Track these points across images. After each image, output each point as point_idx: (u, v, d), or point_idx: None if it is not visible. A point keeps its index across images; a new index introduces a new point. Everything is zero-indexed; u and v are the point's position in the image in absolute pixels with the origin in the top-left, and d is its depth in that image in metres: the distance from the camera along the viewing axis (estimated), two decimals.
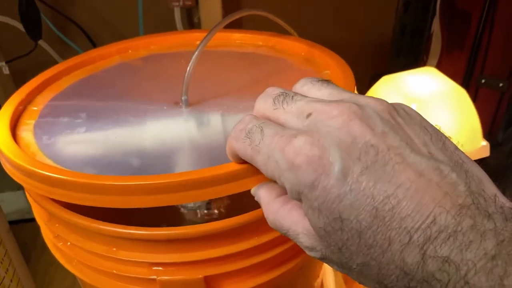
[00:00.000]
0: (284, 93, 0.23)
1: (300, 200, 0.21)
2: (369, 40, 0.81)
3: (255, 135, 0.22)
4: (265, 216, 0.24)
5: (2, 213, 0.58)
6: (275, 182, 0.23)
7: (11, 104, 0.35)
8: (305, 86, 0.24)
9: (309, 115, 0.21)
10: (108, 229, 0.27)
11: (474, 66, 0.61)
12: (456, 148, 0.21)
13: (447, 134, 0.41)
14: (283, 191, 0.23)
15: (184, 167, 0.29)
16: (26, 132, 0.32)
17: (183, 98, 0.36)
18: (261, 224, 0.27)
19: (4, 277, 0.55)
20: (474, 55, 0.60)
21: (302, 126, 0.21)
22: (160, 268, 0.29)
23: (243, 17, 0.39)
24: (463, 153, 0.20)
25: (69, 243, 0.31)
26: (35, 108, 0.36)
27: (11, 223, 0.62)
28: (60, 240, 0.32)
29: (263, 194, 0.24)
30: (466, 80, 0.62)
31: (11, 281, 0.56)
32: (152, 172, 0.28)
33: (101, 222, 0.27)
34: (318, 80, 0.24)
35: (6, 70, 0.66)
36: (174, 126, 0.34)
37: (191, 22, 0.69)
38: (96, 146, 0.31)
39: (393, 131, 0.20)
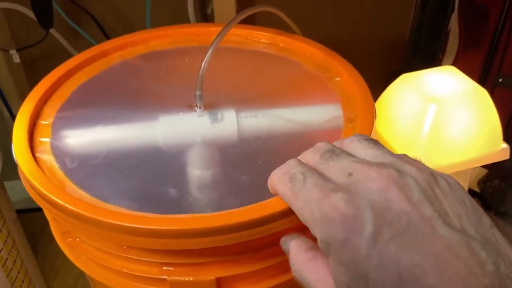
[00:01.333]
0: (331, 150, 0.24)
1: (328, 252, 0.21)
2: (383, 37, 0.80)
3: (297, 181, 0.24)
4: (291, 265, 0.25)
5: (9, 202, 0.57)
6: (304, 234, 0.25)
7: (22, 121, 0.33)
8: (352, 143, 0.25)
9: (350, 174, 0.22)
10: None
11: (491, 65, 0.61)
12: (492, 225, 0.21)
13: (467, 135, 0.41)
14: (312, 245, 0.24)
15: (223, 194, 0.29)
16: (46, 155, 0.32)
17: (198, 104, 0.36)
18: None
19: (11, 268, 0.55)
20: (492, 53, 0.59)
21: (342, 183, 0.22)
22: (171, 268, 0.29)
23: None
24: (498, 232, 0.21)
25: (78, 240, 0.32)
26: (46, 122, 0.35)
27: (20, 212, 0.61)
28: (69, 236, 0.32)
29: (292, 245, 0.25)
30: (482, 79, 0.62)
31: (19, 272, 0.56)
32: (191, 202, 0.28)
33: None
34: (365, 139, 0.25)
35: (16, 59, 0.64)
36: (197, 136, 0.34)
37: (204, 13, 0.67)
38: (123, 168, 0.31)
39: (429, 201, 0.20)
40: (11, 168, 0.39)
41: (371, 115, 0.33)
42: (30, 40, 0.66)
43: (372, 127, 0.32)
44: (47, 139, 0.33)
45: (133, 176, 0.30)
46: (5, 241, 0.54)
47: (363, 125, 0.33)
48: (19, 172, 0.30)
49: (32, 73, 0.76)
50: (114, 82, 0.40)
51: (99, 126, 0.35)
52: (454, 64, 0.72)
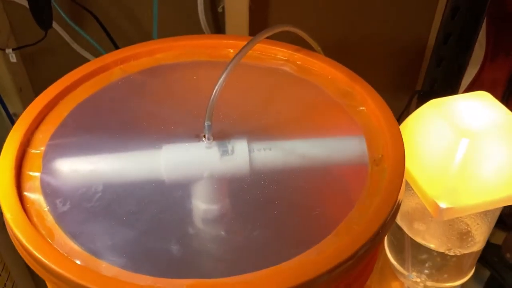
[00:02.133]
0: None
1: None
2: (402, 43, 0.75)
3: None
4: None
5: None
6: None
7: (10, 152, 0.30)
8: None
9: None
10: None
11: None
12: None
13: (500, 173, 0.38)
14: None
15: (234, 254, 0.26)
16: (35, 194, 0.28)
17: (206, 135, 0.32)
18: None
19: None
20: None
21: None
22: None
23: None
24: None
25: None
26: (36, 151, 0.31)
27: None
28: None
29: None
30: (508, 90, 0.57)
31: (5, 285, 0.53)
32: (195, 263, 0.25)
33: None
34: None
35: (13, 58, 0.60)
36: (205, 174, 0.30)
37: (215, 11, 0.63)
38: (120, 215, 0.27)
39: None
40: None
41: (401, 160, 0.30)
42: (31, 35, 0.62)
43: (403, 176, 0.29)
44: (37, 174, 0.29)
45: (131, 225, 0.27)
46: None
47: (392, 171, 0.29)
48: (4, 217, 0.27)
49: (32, 68, 0.72)
50: (114, 102, 0.36)
51: (95, 158, 0.31)
52: (478, 74, 0.68)
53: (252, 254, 0.25)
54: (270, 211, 0.27)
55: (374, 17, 0.74)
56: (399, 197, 0.28)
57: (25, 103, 0.73)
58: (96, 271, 0.23)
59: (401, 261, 0.50)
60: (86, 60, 0.73)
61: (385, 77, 0.86)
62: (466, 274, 0.47)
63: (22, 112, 0.73)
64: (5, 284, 0.51)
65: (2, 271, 0.51)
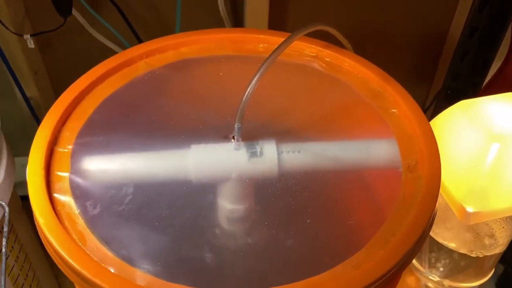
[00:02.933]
0: None
1: None
2: (420, 35, 0.73)
3: None
4: None
5: (13, 190, 0.51)
6: None
7: (38, 151, 0.29)
8: None
9: None
10: None
11: None
12: None
13: None
14: None
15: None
16: (65, 196, 0.28)
17: (235, 136, 0.31)
18: None
19: (13, 265, 0.50)
20: None
21: None
22: None
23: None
24: None
25: None
26: (64, 150, 0.31)
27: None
28: None
29: None
30: None
31: (21, 269, 0.52)
32: (228, 274, 0.25)
33: None
34: None
35: (31, 44, 0.59)
36: (234, 176, 0.30)
37: (234, 1, 0.61)
38: (152, 219, 0.27)
39: None
40: (23, 144, 0.35)
41: (437, 167, 0.29)
42: (48, 21, 0.61)
43: (439, 185, 0.28)
44: (66, 174, 0.29)
45: (163, 230, 0.26)
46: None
47: (428, 180, 0.28)
48: (34, 219, 0.27)
49: (47, 53, 0.71)
50: (139, 98, 0.35)
51: (123, 157, 0.31)
52: (501, 68, 0.66)
53: (286, 265, 0.25)
54: (302, 219, 0.27)
55: (391, 8, 0.72)
56: (436, 207, 0.27)
57: (40, 87, 0.72)
58: (130, 280, 0.23)
59: (419, 257, 0.50)
60: (103, 47, 0.72)
61: (402, 68, 0.85)
62: (485, 275, 0.47)
63: (37, 96, 0.73)
64: (26, 274, 0.51)
65: (24, 262, 0.51)
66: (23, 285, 0.50)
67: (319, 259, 0.24)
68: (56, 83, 0.76)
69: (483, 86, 0.63)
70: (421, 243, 0.26)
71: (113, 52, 0.40)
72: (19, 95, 0.69)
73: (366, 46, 0.42)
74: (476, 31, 0.55)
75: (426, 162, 0.30)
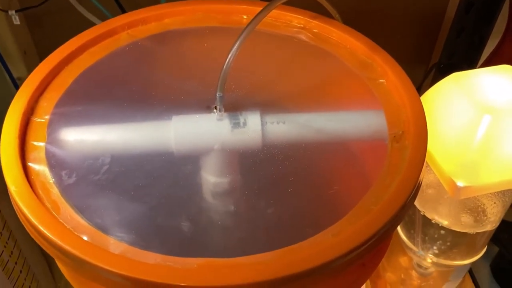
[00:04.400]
0: None
1: None
2: (418, 12, 0.72)
3: None
4: None
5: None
6: None
7: (13, 120, 0.28)
8: None
9: None
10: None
11: None
12: None
13: None
14: None
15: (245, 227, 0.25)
16: (39, 165, 0.27)
17: (218, 107, 0.30)
18: None
19: (8, 261, 0.49)
20: None
21: None
22: None
23: None
24: None
25: None
26: (41, 120, 0.30)
27: None
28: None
29: None
30: None
31: (5, 246, 0.50)
32: (209, 243, 0.24)
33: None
34: None
35: (16, 20, 0.57)
36: (216, 147, 0.29)
37: None
38: (128, 188, 0.26)
39: None
40: None
41: (423, 137, 0.28)
42: None
43: (425, 154, 0.27)
44: (42, 144, 0.28)
45: (140, 199, 0.26)
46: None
47: (414, 149, 0.28)
48: (8, 190, 0.26)
49: (37, 31, 0.70)
50: (121, 69, 0.35)
51: (102, 128, 0.30)
52: (498, 46, 0.65)
53: (265, 233, 0.24)
54: (284, 188, 0.26)
55: None
56: (420, 177, 0.26)
57: (30, 67, 0.71)
58: (104, 248, 0.22)
59: (411, 237, 0.49)
60: (92, 24, 0.71)
61: (399, 47, 0.83)
62: (477, 253, 0.46)
63: (26, 76, 0.71)
64: (11, 252, 0.51)
65: (13, 249, 0.50)
66: (7, 262, 0.49)
67: (300, 228, 0.24)
68: None
69: (479, 64, 0.62)
70: (403, 213, 0.25)
71: None
72: (6, 76, 0.69)
73: (361, 24, 0.41)
74: (472, 6, 0.54)
75: (413, 132, 0.29)
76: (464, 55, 0.57)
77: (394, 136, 0.29)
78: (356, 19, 0.41)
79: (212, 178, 0.27)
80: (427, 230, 0.47)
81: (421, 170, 0.27)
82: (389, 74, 0.33)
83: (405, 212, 0.25)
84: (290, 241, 0.23)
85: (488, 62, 0.66)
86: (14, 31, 0.65)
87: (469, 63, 0.58)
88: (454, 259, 0.47)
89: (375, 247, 0.24)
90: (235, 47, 0.29)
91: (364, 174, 0.28)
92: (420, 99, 0.31)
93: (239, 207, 0.26)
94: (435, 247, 0.48)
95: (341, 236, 0.23)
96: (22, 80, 0.73)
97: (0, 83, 0.66)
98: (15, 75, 0.69)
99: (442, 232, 0.45)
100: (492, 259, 0.68)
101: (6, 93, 0.69)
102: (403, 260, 0.56)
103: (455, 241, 0.46)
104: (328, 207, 0.25)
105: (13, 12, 0.55)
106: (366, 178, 0.27)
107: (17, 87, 0.69)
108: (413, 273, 0.54)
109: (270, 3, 0.31)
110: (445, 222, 0.45)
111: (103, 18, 0.65)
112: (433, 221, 0.45)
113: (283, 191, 0.26)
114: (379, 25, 0.79)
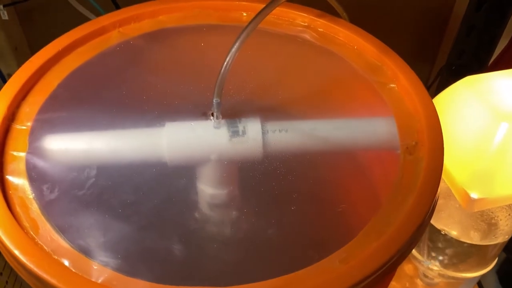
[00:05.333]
0: None
1: None
2: (424, 8, 0.69)
3: None
4: None
5: None
6: None
7: None
8: None
9: None
10: None
11: None
12: None
13: None
14: None
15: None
16: (19, 178, 0.24)
17: (214, 113, 0.28)
18: None
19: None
20: None
21: None
22: None
23: None
24: None
25: None
26: (22, 127, 0.27)
27: None
28: None
29: None
30: None
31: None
32: (203, 269, 0.22)
33: None
34: None
35: (4, 15, 0.55)
36: (212, 159, 0.26)
37: None
38: (115, 205, 0.24)
39: None
40: None
41: (439, 149, 0.26)
42: None
43: (442, 168, 0.25)
44: (22, 154, 0.26)
45: (128, 218, 0.23)
46: None
47: (429, 162, 0.25)
48: None
49: (28, 26, 0.67)
50: (111, 70, 0.32)
51: (88, 136, 0.28)
52: (509, 46, 0.62)
53: (265, 258, 0.22)
54: (286, 206, 0.24)
55: None
56: (437, 194, 0.24)
57: (21, 63, 0.68)
58: (85, 277, 0.20)
59: (417, 245, 0.47)
60: (85, 18, 0.68)
61: (403, 44, 0.81)
62: (487, 265, 0.44)
63: None
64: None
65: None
66: None
67: (303, 251, 0.21)
68: None
69: (489, 64, 0.60)
70: (419, 235, 0.23)
71: None
72: None
73: (364, 20, 0.39)
74: (484, 4, 0.51)
75: (427, 143, 0.26)
76: (474, 55, 0.55)
77: (407, 148, 0.27)
78: (359, 15, 0.39)
79: (207, 195, 0.25)
80: (434, 240, 0.45)
81: (437, 187, 0.24)
82: (400, 79, 0.30)
83: (421, 233, 0.23)
84: (293, 267, 0.21)
85: (498, 61, 0.64)
86: (4, 27, 0.62)
87: (479, 63, 0.56)
88: (463, 271, 0.45)
89: (387, 275, 0.21)
90: (233, 49, 0.26)
91: (374, 189, 0.25)
92: (434, 107, 0.28)
93: (237, 227, 0.24)
94: (442, 258, 0.46)
95: (350, 263, 0.21)
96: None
97: None
98: (5, 72, 0.66)
99: (451, 242, 0.43)
100: (499, 265, 0.66)
101: None
102: (408, 268, 0.54)
103: (464, 253, 0.43)
104: (335, 228, 0.23)
105: (1, 7, 0.53)
106: (377, 194, 0.24)
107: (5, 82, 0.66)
108: (418, 281, 0.52)
109: (271, 1, 0.29)
110: (454, 233, 0.43)
111: (97, 12, 0.63)
112: (441, 231, 0.43)
113: (286, 209, 0.24)
114: (382, 20, 0.76)
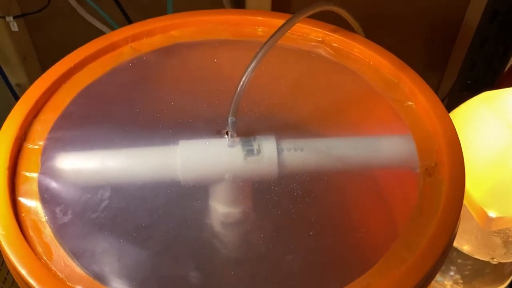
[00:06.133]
0: None
1: None
2: (434, 18, 0.69)
3: None
4: None
5: None
6: None
7: (3, 148, 0.25)
8: None
9: None
10: None
11: None
12: None
13: None
14: None
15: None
16: (31, 200, 0.24)
17: (229, 132, 0.27)
18: None
19: None
20: None
21: None
22: None
23: None
24: None
25: None
26: (34, 147, 0.27)
27: None
28: None
29: None
30: None
31: None
32: None
33: None
34: None
35: (14, 27, 0.54)
36: (227, 178, 0.26)
37: None
38: (130, 229, 0.24)
39: None
40: None
41: (460, 170, 0.25)
42: (37, 1, 0.57)
43: (463, 190, 0.24)
44: (35, 174, 0.25)
45: (142, 243, 0.23)
46: None
47: (450, 185, 0.25)
48: None
49: (37, 35, 0.67)
50: (123, 88, 0.32)
51: (101, 155, 0.27)
52: None
53: (284, 285, 0.21)
54: (305, 231, 0.23)
55: None
56: (459, 218, 0.24)
57: (30, 72, 0.68)
58: None
59: None
60: (94, 28, 0.68)
61: (411, 56, 0.80)
62: (503, 282, 0.43)
63: (26, 82, 0.69)
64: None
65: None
66: None
67: (322, 280, 0.21)
68: (47, 68, 0.73)
69: (502, 75, 0.59)
70: (442, 261, 0.22)
71: None
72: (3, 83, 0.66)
73: (372, 33, 0.38)
74: (497, 15, 0.51)
75: (448, 165, 0.26)
76: (487, 66, 0.54)
77: (426, 169, 0.26)
78: (367, 25, 0.38)
79: (222, 218, 0.24)
80: (448, 256, 0.44)
81: (459, 211, 0.24)
82: (418, 96, 0.30)
83: (444, 259, 0.23)
84: None
85: (509, 74, 0.63)
86: (13, 37, 0.62)
87: (492, 74, 0.55)
88: None
89: None
90: (249, 69, 0.26)
91: (393, 213, 0.25)
92: (454, 127, 0.28)
93: (253, 254, 0.23)
94: (453, 273, 0.45)
95: None
96: (21, 86, 0.70)
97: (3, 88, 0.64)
98: (14, 81, 0.66)
99: (464, 259, 0.42)
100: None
101: (4, 100, 0.67)
102: None
103: (479, 269, 0.43)
104: (354, 255, 0.22)
105: (11, 18, 0.53)
106: (397, 218, 0.24)
107: (14, 94, 0.66)
108: None
109: (293, 16, 0.28)
110: (466, 248, 0.42)
111: (106, 24, 0.63)
112: (455, 247, 0.42)
113: (304, 234, 0.23)
114: (391, 31, 0.76)
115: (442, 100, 0.66)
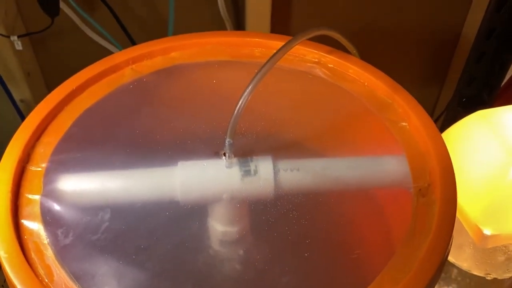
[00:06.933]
0: None
1: None
2: (431, 34, 0.70)
3: None
4: None
5: None
6: None
7: (6, 172, 0.26)
8: None
9: None
10: None
11: None
12: None
13: None
14: None
15: None
16: (33, 222, 0.25)
17: (227, 153, 0.28)
18: None
19: None
20: None
21: None
22: None
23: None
24: None
25: None
26: (37, 169, 0.28)
27: None
28: None
29: None
30: None
31: None
32: None
33: None
34: None
35: (18, 46, 0.55)
36: (224, 199, 0.27)
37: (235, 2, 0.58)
38: (130, 251, 0.24)
39: None
40: None
41: (452, 191, 0.26)
42: (41, 20, 0.58)
43: (455, 210, 0.25)
44: (37, 197, 0.26)
45: (142, 265, 0.23)
46: None
47: (443, 205, 0.25)
48: None
49: (41, 53, 0.68)
50: (124, 109, 0.32)
51: (102, 177, 0.28)
52: None
53: None
54: (300, 253, 0.24)
55: (399, 8, 0.68)
56: (452, 237, 0.24)
57: (33, 88, 0.69)
58: None
59: None
60: (100, 47, 0.69)
61: (408, 74, 0.81)
62: None
63: (30, 98, 0.69)
64: None
65: None
66: None
67: None
68: (51, 84, 0.74)
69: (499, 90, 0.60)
70: (435, 281, 0.23)
71: (110, 53, 0.37)
72: (7, 99, 0.67)
73: (369, 48, 0.39)
74: (494, 31, 0.52)
75: (440, 186, 0.26)
76: (484, 82, 0.55)
77: (420, 190, 0.27)
78: (364, 42, 0.39)
79: (221, 239, 0.25)
80: (445, 271, 0.44)
81: (451, 231, 0.24)
82: (411, 117, 0.30)
83: (438, 279, 0.23)
84: None
85: (506, 89, 0.63)
86: (17, 54, 0.63)
87: (489, 90, 0.56)
88: None
89: None
90: (246, 92, 0.27)
91: (387, 233, 0.25)
92: (446, 147, 0.28)
93: (249, 276, 0.23)
94: None
95: None
96: (25, 102, 0.71)
97: (1, 105, 0.65)
98: (18, 97, 0.67)
99: (461, 274, 0.43)
100: None
101: (8, 115, 0.68)
102: None
103: (475, 286, 0.43)
104: (348, 277, 0.23)
105: (15, 37, 0.54)
106: (390, 238, 0.24)
107: (18, 110, 0.67)
108: None
109: (290, 41, 0.29)
110: (464, 265, 0.42)
111: (109, 40, 0.64)
112: (451, 263, 0.42)
113: (299, 256, 0.24)
114: (387, 49, 0.76)
115: (440, 115, 0.67)
